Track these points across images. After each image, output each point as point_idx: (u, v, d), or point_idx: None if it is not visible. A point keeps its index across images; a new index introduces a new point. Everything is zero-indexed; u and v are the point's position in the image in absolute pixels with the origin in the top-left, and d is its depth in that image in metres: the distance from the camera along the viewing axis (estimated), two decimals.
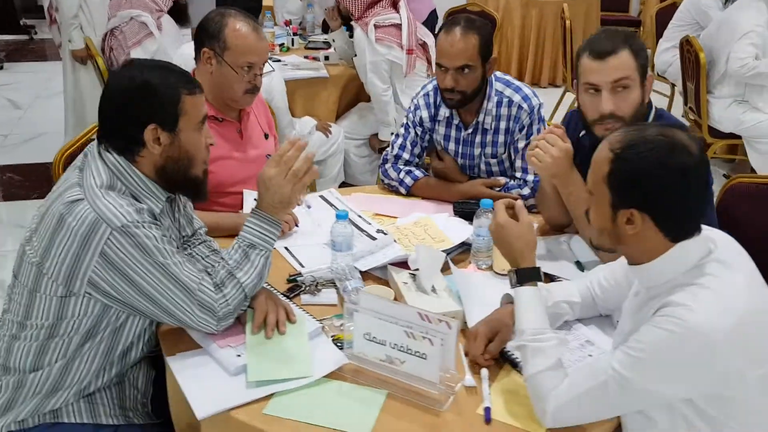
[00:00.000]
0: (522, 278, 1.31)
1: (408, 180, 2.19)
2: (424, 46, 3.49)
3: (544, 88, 6.28)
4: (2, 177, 4.28)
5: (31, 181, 4.21)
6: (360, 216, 2.00)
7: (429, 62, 3.52)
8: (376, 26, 3.31)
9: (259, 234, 1.48)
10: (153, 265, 1.36)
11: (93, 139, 2.27)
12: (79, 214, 1.33)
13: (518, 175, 2.12)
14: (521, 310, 1.29)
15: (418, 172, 2.20)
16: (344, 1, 3.39)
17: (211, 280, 1.43)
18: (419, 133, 2.22)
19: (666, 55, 5.14)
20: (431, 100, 2.19)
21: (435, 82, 2.18)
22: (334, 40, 3.79)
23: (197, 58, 1.99)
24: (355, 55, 3.52)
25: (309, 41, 4.26)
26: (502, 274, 1.74)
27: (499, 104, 2.10)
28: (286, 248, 1.86)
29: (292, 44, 4.17)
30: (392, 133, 3.59)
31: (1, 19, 7.59)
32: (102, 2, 3.79)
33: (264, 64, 2.00)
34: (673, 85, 5.20)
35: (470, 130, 2.14)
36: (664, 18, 5.39)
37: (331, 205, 2.12)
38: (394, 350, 1.34)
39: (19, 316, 1.42)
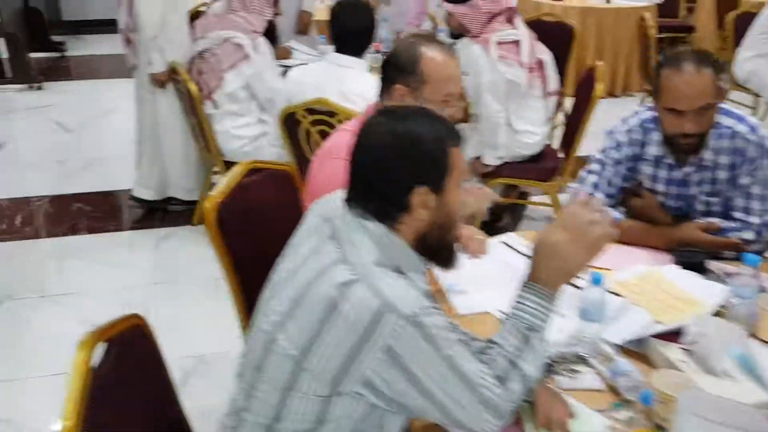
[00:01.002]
0: None
1: None
2: (540, 63, 3.24)
3: (619, 97, 6.08)
4: (71, 207, 4.02)
5: (103, 211, 3.96)
6: None
7: (544, 81, 3.27)
8: (498, 43, 3.07)
9: (538, 313, 1.23)
10: (440, 359, 1.12)
11: (244, 185, 2.05)
12: (358, 299, 1.09)
13: (738, 215, 1.87)
14: None
15: (616, 213, 1.95)
16: (461, 15, 3.13)
17: (491, 372, 1.18)
18: (621, 172, 1.97)
19: (748, 65, 4.92)
20: (637, 137, 1.95)
21: (641, 117, 1.95)
22: None
23: (384, 94, 1.77)
24: (464, 74, 3.27)
25: None
26: None
27: (719, 136, 1.85)
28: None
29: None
30: (499, 158, 3.37)
31: (33, 36, 7.27)
32: (183, 23, 3.55)
33: None
34: (756, 96, 4.97)
35: (689, 169, 1.90)
36: (741, 25, 5.17)
37: (521, 253, 1.87)
38: None
39: (267, 419, 1.18)
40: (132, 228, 3.80)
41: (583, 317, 1.47)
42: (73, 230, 3.75)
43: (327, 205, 1.30)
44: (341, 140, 1.77)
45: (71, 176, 4.44)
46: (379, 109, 1.26)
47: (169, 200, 3.91)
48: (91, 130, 5.35)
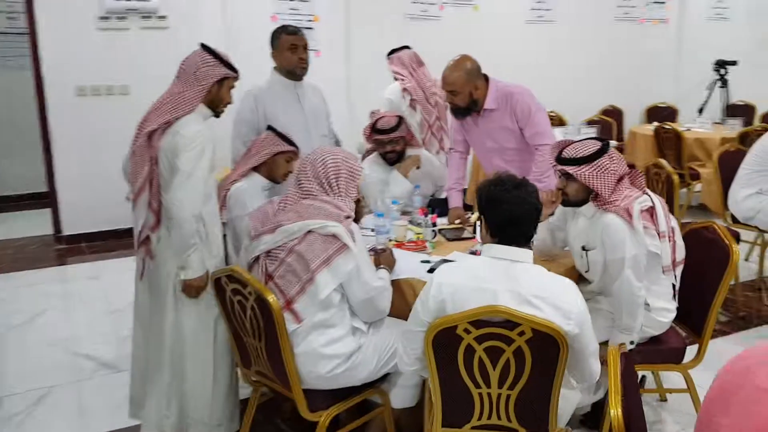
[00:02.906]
0: None
1: None
2: (673, 230, 2.77)
3: None
4: None
5: None
6: None
7: (674, 250, 2.79)
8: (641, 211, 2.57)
9: None
10: None
11: None
12: None
13: None
14: None
15: None
16: (587, 179, 2.61)
17: None
18: None
19: (749, 202, 4.87)
20: None
21: None
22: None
23: None
24: (585, 249, 2.73)
25: (445, 231, 3.41)
26: None
27: None
28: None
29: (434, 237, 3.30)
30: (632, 342, 2.79)
31: None
32: (217, 215, 2.77)
33: None
34: (761, 231, 4.88)
35: None
36: (729, 162, 5.15)
37: None
38: None
39: None
40: None
41: None
42: None
43: None
44: None
45: (20, 425, 3.24)
46: None
47: None
48: (18, 346, 4.13)
